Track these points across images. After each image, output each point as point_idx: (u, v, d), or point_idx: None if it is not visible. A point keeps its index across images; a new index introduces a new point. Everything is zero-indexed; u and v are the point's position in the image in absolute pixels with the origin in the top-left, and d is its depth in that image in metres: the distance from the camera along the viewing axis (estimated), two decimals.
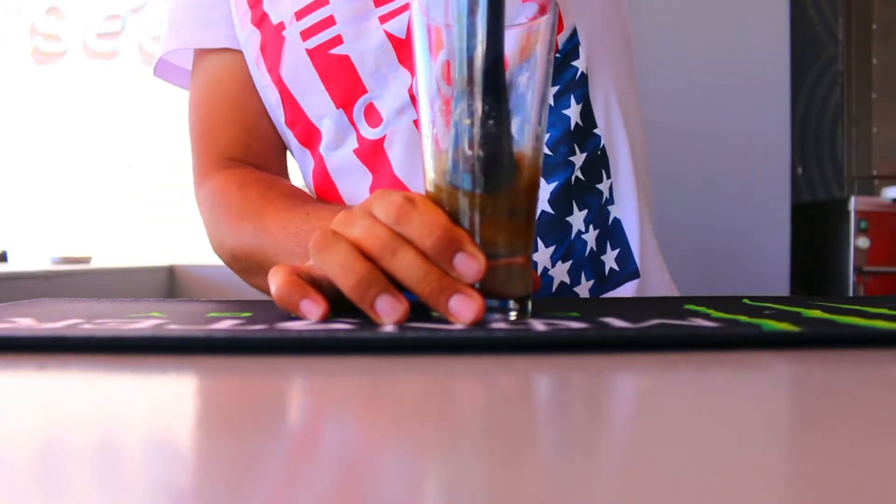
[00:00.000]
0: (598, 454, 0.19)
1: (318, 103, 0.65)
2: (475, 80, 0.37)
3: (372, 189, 0.64)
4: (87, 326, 0.34)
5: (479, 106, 0.37)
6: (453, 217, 0.37)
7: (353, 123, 0.64)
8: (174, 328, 0.34)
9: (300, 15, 0.64)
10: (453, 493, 0.16)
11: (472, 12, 0.37)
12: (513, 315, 0.38)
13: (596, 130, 0.64)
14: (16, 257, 1.99)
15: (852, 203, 1.97)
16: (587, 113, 0.64)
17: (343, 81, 0.63)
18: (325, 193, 0.68)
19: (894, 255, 1.96)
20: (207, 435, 0.21)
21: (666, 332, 0.33)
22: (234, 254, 0.65)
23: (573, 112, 0.63)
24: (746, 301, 0.48)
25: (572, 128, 0.63)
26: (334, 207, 0.62)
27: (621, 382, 0.28)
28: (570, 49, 0.63)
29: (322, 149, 0.66)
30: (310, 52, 0.63)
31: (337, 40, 0.63)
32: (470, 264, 0.36)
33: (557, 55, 0.63)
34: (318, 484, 0.16)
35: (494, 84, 0.37)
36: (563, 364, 0.30)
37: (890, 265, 1.96)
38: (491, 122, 0.37)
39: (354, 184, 0.65)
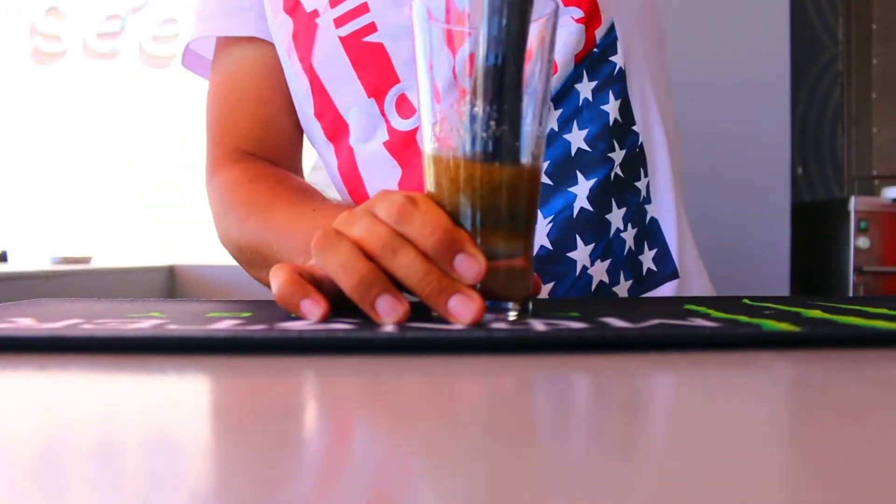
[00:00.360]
0: (597, 454, 0.19)
1: (348, 92, 0.64)
2: (477, 81, 0.37)
3: (401, 184, 0.64)
4: (87, 326, 0.34)
5: (481, 107, 0.37)
6: (454, 217, 0.37)
7: (383, 114, 0.63)
8: (174, 328, 0.34)
9: (335, 2, 0.63)
10: (453, 492, 0.16)
11: (473, 13, 0.37)
12: (513, 315, 0.38)
13: (634, 127, 0.64)
14: (16, 257, 1.99)
15: (852, 203, 1.97)
16: (626, 109, 0.63)
17: (376, 70, 0.63)
18: (353, 187, 0.67)
19: (894, 255, 1.96)
20: (207, 435, 0.21)
21: (666, 332, 0.33)
22: (240, 246, 0.65)
23: (612, 108, 0.62)
24: (746, 301, 0.48)
25: (611, 123, 0.62)
26: (342, 205, 0.62)
27: (621, 382, 0.28)
28: (609, 44, 0.63)
29: (352, 141, 0.65)
30: (343, 40, 0.63)
31: (371, 28, 0.62)
32: (470, 265, 0.36)
33: (595, 50, 0.62)
34: (319, 484, 0.16)
35: (497, 85, 0.37)
36: (563, 364, 0.30)
37: (890, 265, 1.96)
38: (493, 122, 0.37)
39: (383, 177, 0.64)
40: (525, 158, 0.38)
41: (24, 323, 0.36)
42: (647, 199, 0.64)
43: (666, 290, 0.64)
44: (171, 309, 0.44)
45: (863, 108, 2.17)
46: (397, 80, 0.62)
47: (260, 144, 0.71)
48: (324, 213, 0.58)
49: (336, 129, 0.66)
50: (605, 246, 0.62)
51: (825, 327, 0.35)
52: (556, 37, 0.39)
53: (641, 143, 0.64)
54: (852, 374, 0.29)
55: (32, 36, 2.30)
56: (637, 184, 0.64)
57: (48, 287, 1.41)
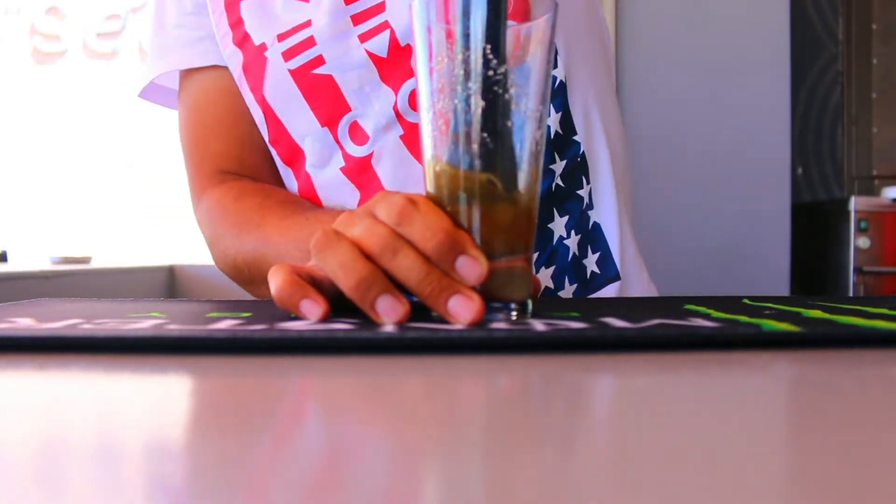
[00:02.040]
0: (598, 454, 0.19)
1: (302, 122, 0.65)
2: (478, 82, 0.37)
3: (360, 205, 0.65)
4: (87, 326, 0.34)
5: (481, 107, 0.37)
6: (454, 218, 0.37)
7: (338, 142, 0.65)
8: (174, 328, 0.34)
9: (282, 37, 0.64)
10: (453, 492, 0.16)
11: (470, 14, 0.37)
12: (513, 316, 0.38)
13: (576, 137, 0.65)
14: (16, 257, 1.99)
15: (852, 203, 1.97)
16: (566, 121, 0.65)
17: (327, 100, 0.64)
18: None
19: (894, 255, 1.96)
20: (207, 435, 0.21)
21: (666, 332, 0.33)
22: (238, 265, 0.65)
23: (552, 121, 0.64)
24: (746, 301, 0.48)
25: (552, 136, 0.64)
26: (333, 212, 0.63)
27: (622, 382, 0.28)
28: None
29: (308, 167, 0.67)
30: (293, 73, 0.64)
31: (319, 60, 0.63)
32: (472, 267, 0.36)
33: None
34: (319, 484, 0.16)
35: (497, 85, 0.37)
36: (563, 364, 0.30)
37: (890, 265, 1.96)
38: (493, 122, 0.37)
39: (343, 201, 0.66)
40: (525, 158, 0.38)
41: (24, 323, 0.36)
42: (590, 206, 0.66)
43: (608, 291, 0.66)
44: (171, 309, 0.44)
45: (863, 107, 2.17)
46: (348, 109, 0.64)
47: (239, 163, 0.71)
48: (317, 219, 0.59)
49: (292, 156, 0.68)
50: (549, 254, 0.64)
51: (825, 327, 0.35)
52: (555, 36, 0.39)
53: (583, 153, 0.65)
54: (852, 374, 0.29)
55: (32, 36, 2.30)
56: (580, 192, 0.66)
57: (48, 287, 1.41)
